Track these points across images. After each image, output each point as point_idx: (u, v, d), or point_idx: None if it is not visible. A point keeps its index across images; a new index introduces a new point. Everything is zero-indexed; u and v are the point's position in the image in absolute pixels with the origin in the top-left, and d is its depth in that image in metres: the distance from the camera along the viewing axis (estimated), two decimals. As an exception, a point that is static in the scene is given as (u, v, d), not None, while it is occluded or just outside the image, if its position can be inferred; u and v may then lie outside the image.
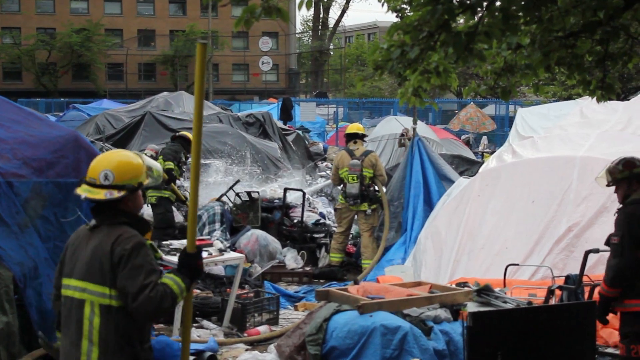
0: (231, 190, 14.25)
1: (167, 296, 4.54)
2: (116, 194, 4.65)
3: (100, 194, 4.66)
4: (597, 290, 7.03)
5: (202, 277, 4.79)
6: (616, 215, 6.91)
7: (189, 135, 13.73)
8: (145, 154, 13.68)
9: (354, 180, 13.00)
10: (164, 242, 10.22)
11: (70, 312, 4.69)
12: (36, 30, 63.42)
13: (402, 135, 21.76)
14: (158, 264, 4.75)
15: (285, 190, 14.63)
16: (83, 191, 4.71)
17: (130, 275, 4.50)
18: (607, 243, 7.02)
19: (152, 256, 4.67)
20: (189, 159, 13.76)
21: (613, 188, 7.11)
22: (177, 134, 14.21)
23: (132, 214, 4.78)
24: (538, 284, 8.90)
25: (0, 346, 6.57)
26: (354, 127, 13.91)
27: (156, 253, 4.83)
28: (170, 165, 13.31)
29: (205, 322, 10.00)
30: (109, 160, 4.78)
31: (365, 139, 14.13)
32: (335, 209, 13.54)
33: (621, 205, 6.97)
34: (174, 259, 9.55)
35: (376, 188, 13.18)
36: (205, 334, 9.54)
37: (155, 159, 13.62)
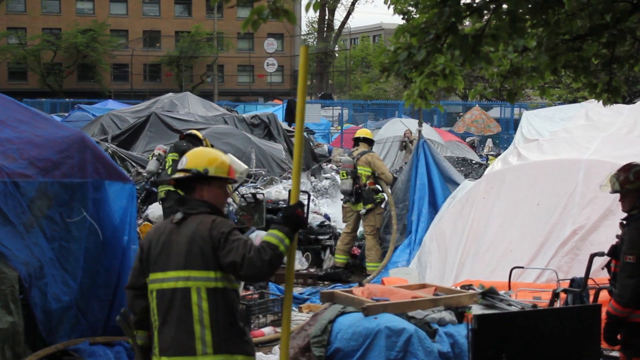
0: (236, 192, 14.27)
1: (266, 249, 4.83)
2: (182, 174, 5.08)
3: (176, 175, 5.15)
4: (604, 309, 6.87)
5: (302, 226, 5.02)
6: (625, 225, 6.82)
7: (198, 133, 13.98)
8: (154, 154, 13.83)
9: (344, 176, 13.15)
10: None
11: (171, 303, 4.91)
12: (42, 30, 63.56)
13: (406, 138, 21.86)
14: None
15: (290, 191, 14.61)
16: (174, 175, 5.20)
17: (230, 250, 4.81)
18: (611, 254, 6.93)
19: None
20: None
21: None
22: (186, 132, 14.23)
23: (213, 204, 5.07)
24: (543, 286, 8.88)
25: (5, 345, 6.58)
26: (358, 132, 14.15)
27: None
28: (176, 156, 13.35)
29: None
30: (191, 151, 5.28)
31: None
32: (342, 207, 13.61)
33: (627, 215, 6.89)
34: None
35: (378, 188, 13.19)
36: (210, 335, 9.52)
37: (164, 158, 13.67)
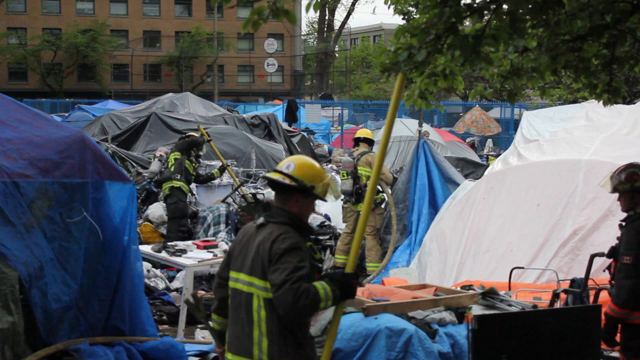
0: (236, 192, 14.28)
1: (309, 294, 4.77)
2: (287, 181, 5.03)
3: (276, 176, 5.07)
4: (603, 310, 6.89)
5: (351, 296, 5.08)
6: (623, 226, 6.83)
7: (199, 131, 14.37)
8: (156, 155, 13.88)
9: (344, 176, 13.16)
10: (169, 243, 10.21)
11: (240, 304, 5.07)
12: (42, 30, 63.58)
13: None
14: (318, 264, 5.07)
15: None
16: (269, 174, 5.16)
17: (277, 269, 4.82)
18: (611, 255, 6.94)
19: (306, 258, 4.93)
20: (200, 156, 14.06)
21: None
22: (186, 135, 14.28)
23: (295, 216, 5.07)
24: (543, 287, 8.89)
25: (5, 346, 6.57)
26: (359, 132, 14.13)
27: (315, 254, 5.09)
28: (178, 155, 13.41)
29: (210, 323, 9.98)
30: (298, 157, 5.26)
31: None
32: (342, 207, 13.60)
33: (626, 215, 6.91)
34: (179, 260, 9.57)
35: (379, 189, 13.19)
36: (210, 335, 9.52)
37: (166, 158, 13.71)
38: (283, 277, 4.77)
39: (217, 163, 15.34)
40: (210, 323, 5.56)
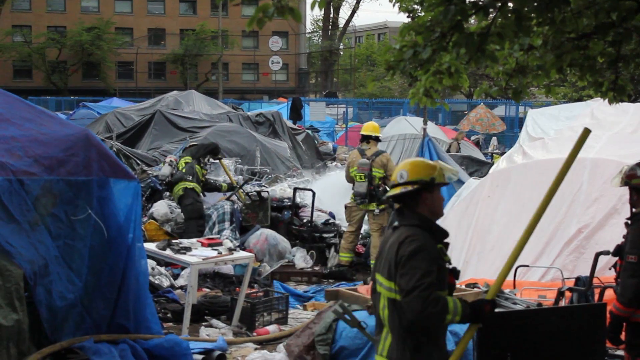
0: (241, 190, 14.28)
1: (438, 303, 4.85)
2: (410, 187, 5.14)
3: (397, 190, 5.19)
4: (608, 308, 6.87)
5: (480, 322, 5.24)
6: (629, 225, 6.81)
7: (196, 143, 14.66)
8: (166, 161, 13.96)
9: (361, 179, 13.05)
10: (173, 241, 10.22)
11: (376, 303, 5.24)
12: (47, 28, 63.62)
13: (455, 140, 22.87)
14: (447, 266, 5.12)
15: (295, 189, 14.63)
16: (388, 193, 5.33)
17: (406, 273, 4.90)
18: (616, 254, 6.93)
19: (435, 262, 4.98)
20: (208, 160, 14.07)
21: (625, 189, 7.05)
22: (191, 145, 14.49)
23: (426, 218, 5.16)
24: (548, 285, 8.88)
25: (10, 343, 6.58)
26: (368, 128, 13.81)
27: (445, 256, 5.14)
28: (189, 159, 13.46)
29: (214, 321, 10.01)
30: (405, 163, 5.32)
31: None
32: (345, 207, 13.53)
33: (631, 214, 6.89)
34: (183, 257, 9.57)
35: (387, 188, 13.18)
36: (215, 333, 9.54)
37: (176, 164, 13.75)
38: (413, 283, 4.85)
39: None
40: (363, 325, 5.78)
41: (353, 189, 13.27)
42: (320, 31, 73.74)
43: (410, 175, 5.17)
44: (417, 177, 5.15)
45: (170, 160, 14.11)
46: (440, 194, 5.29)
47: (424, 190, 5.16)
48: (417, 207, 5.16)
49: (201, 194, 13.49)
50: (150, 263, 10.93)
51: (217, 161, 14.92)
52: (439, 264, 5.01)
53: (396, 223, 5.20)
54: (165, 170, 13.97)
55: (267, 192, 14.34)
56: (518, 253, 5.59)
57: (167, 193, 14.01)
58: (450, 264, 5.17)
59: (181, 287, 11.04)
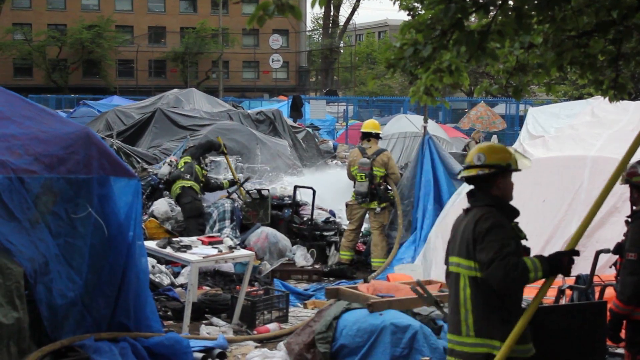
0: (242, 187, 14.28)
1: (518, 266, 5.15)
2: (487, 170, 5.42)
3: (474, 172, 5.47)
4: (608, 306, 6.87)
5: (562, 273, 5.54)
6: (629, 222, 6.81)
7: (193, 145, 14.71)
8: (167, 161, 14.01)
9: (362, 178, 13.05)
10: (174, 239, 10.22)
11: (451, 284, 5.52)
12: (47, 26, 63.61)
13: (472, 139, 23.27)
14: (522, 244, 5.42)
15: (295, 187, 14.63)
16: (462, 173, 5.61)
17: (485, 247, 5.20)
18: (616, 251, 6.92)
19: (511, 236, 5.29)
20: (207, 159, 14.19)
21: (625, 187, 7.06)
22: (192, 146, 14.55)
23: (498, 198, 5.45)
24: (548, 283, 8.86)
25: (10, 341, 6.58)
26: (369, 125, 13.81)
27: (520, 232, 5.44)
28: (188, 159, 13.47)
29: (214, 319, 10.01)
30: (483, 147, 5.58)
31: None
32: (346, 205, 13.54)
33: (631, 212, 6.88)
34: (184, 255, 9.58)
35: (388, 187, 13.18)
36: (215, 331, 9.55)
37: (175, 164, 13.76)
38: (491, 255, 5.14)
39: (220, 159, 15.36)
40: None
41: (354, 187, 13.28)
42: (320, 29, 73.72)
43: (487, 159, 5.43)
44: (495, 162, 5.43)
45: (170, 161, 14.13)
46: (511, 179, 5.55)
47: (499, 174, 5.44)
48: (491, 189, 5.44)
49: (200, 192, 13.49)
50: (151, 261, 10.94)
51: (220, 158, 14.93)
52: (515, 239, 5.31)
53: (468, 205, 5.50)
54: (164, 170, 13.98)
55: (268, 190, 14.34)
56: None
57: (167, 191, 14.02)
58: (526, 239, 5.45)
59: (181, 285, 11.04)
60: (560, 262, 5.34)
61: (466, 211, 5.51)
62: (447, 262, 5.67)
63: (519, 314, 5.33)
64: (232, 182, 14.25)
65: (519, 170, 5.56)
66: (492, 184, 5.45)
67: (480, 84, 7.17)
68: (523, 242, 5.45)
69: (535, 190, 10.23)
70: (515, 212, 5.47)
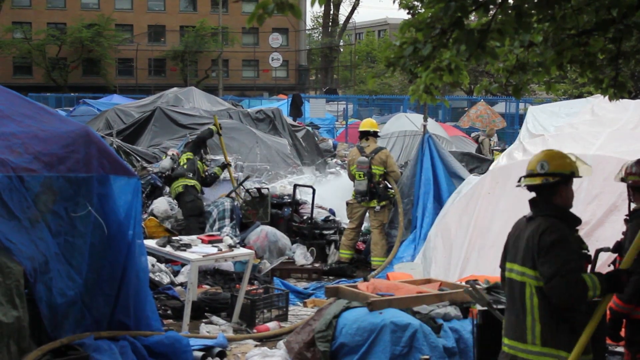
0: (241, 187, 14.28)
1: (578, 284, 5.15)
2: (551, 179, 5.42)
3: (538, 180, 5.47)
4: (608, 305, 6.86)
5: (619, 291, 5.57)
6: (629, 221, 6.80)
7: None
8: (168, 154, 14.01)
9: (360, 177, 13.06)
10: (173, 238, 10.22)
11: (514, 292, 5.48)
12: (47, 25, 63.58)
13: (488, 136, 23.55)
14: (584, 254, 5.46)
15: (295, 186, 14.64)
16: (524, 181, 5.58)
17: (547, 261, 5.20)
18: (616, 250, 6.91)
19: (574, 249, 5.30)
20: (208, 155, 14.26)
21: (624, 186, 7.05)
22: (190, 141, 14.54)
23: (562, 208, 5.45)
24: (548, 282, 8.85)
25: (10, 340, 6.58)
26: (367, 124, 13.84)
27: (582, 244, 5.48)
28: (190, 155, 13.48)
29: (214, 318, 10.01)
30: (545, 154, 5.58)
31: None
32: (347, 204, 13.55)
33: (629, 211, 6.87)
34: (183, 254, 9.57)
35: (388, 185, 13.19)
36: (215, 329, 9.55)
37: (177, 159, 13.77)
38: (553, 269, 5.14)
39: (221, 158, 15.35)
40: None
41: (354, 186, 13.30)
42: (320, 28, 73.73)
43: (551, 167, 5.42)
44: (559, 170, 5.42)
45: (173, 154, 14.12)
46: (572, 187, 5.55)
47: (562, 182, 5.43)
48: (553, 198, 5.43)
49: (200, 191, 13.51)
50: (151, 260, 10.94)
51: (219, 137, 14.92)
52: (578, 252, 5.34)
53: (530, 213, 5.46)
54: (166, 163, 13.98)
55: (267, 189, 14.35)
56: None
57: (168, 189, 14.02)
58: (588, 251, 5.50)
59: (181, 284, 11.04)
60: (619, 280, 5.38)
61: (528, 219, 5.48)
62: (502, 267, 5.71)
63: (584, 324, 5.35)
64: (224, 166, 14.27)
65: (579, 177, 5.58)
66: (555, 192, 5.45)
67: (480, 82, 7.17)
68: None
69: (534, 188, 10.22)
70: (578, 221, 5.48)
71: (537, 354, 5.31)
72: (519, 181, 5.66)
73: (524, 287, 5.37)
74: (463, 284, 8.37)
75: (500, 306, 7.11)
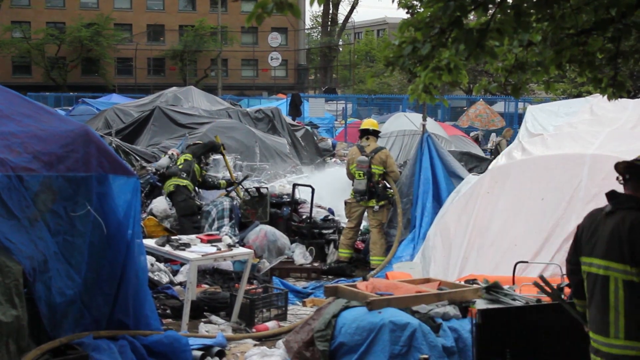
0: (240, 186, 14.29)
1: None
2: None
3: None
4: None
5: None
6: None
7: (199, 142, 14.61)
8: (168, 153, 14.00)
9: (360, 176, 13.07)
10: (172, 237, 10.22)
11: (594, 286, 5.42)
12: (46, 24, 63.64)
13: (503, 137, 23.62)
14: None
15: (294, 186, 14.64)
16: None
17: None
18: None
19: None
20: (210, 158, 14.19)
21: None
22: (194, 143, 14.49)
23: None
24: (547, 281, 8.86)
25: (9, 339, 6.58)
26: (368, 123, 13.88)
27: None
28: (189, 157, 13.47)
29: (213, 317, 10.02)
30: None
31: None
32: (345, 203, 13.55)
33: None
34: (183, 253, 9.58)
35: (387, 185, 13.19)
36: (214, 329, 9.56)
37: (176, 158, 13.77)
38: None
39: (219, 157, 15.34)
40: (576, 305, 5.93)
41: (353, 185, 13.30)
42: (319, 27, 73.75)
43: None
44: None
45: (172, 154, 14.12)
46: None
47: None
48: (637, 191, 5.36)
49: (194, 191, 13.50)
50: (150, 259, 10.94)
51: (220, 156, 14.94)
52: None
53: (610, 208, 5.39)
54: (163, 161, 13.99)
55: (267, 188, 14.35)
56: None
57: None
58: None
59: (180, 284, 11.05)
60: None
61: (608, 214, 5.40)
62: (571, 261, 5.74)
63: None
64: (230, 183, 14.26)
65: None
66: (638, 186, 5.39)
67: (479, 82, 7.18)
68: None
69: (534, 188, 10.23)
70: None
71: (621, 347, 5.27)
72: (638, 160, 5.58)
73: (606, 281, 5.32)
74: (462, 283, 8.37)
75: (497, 305, 7.13)
